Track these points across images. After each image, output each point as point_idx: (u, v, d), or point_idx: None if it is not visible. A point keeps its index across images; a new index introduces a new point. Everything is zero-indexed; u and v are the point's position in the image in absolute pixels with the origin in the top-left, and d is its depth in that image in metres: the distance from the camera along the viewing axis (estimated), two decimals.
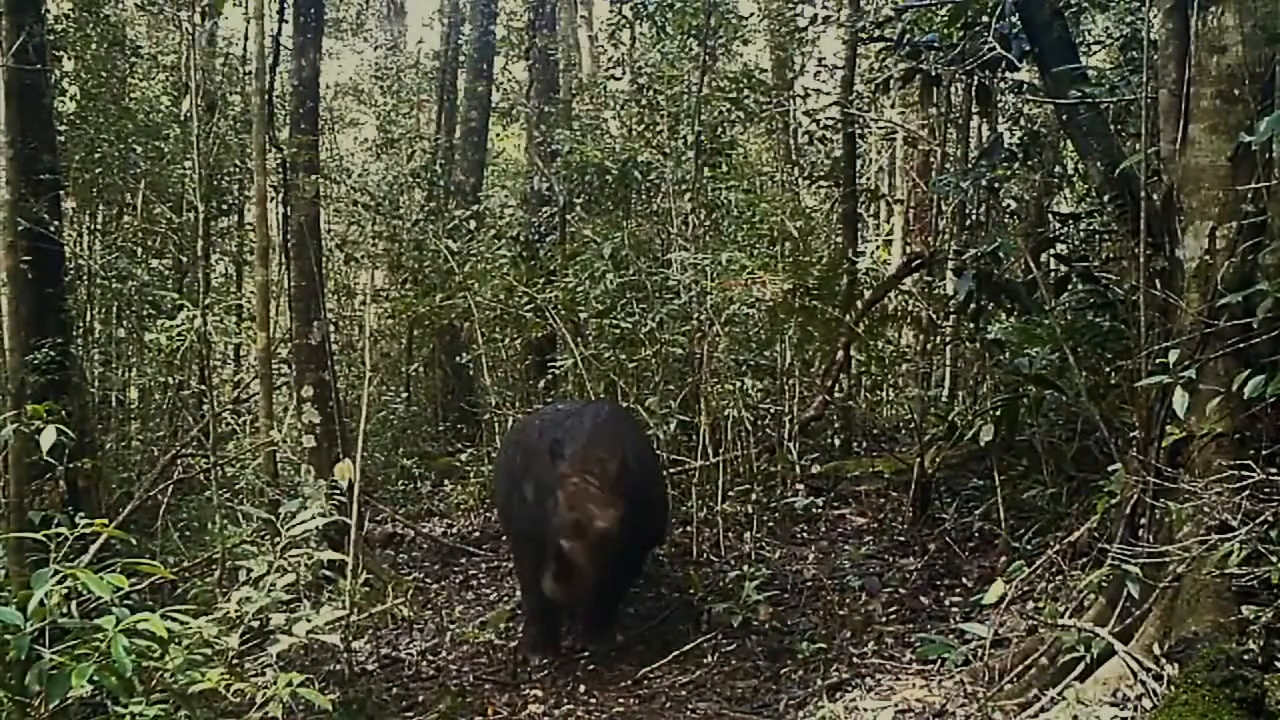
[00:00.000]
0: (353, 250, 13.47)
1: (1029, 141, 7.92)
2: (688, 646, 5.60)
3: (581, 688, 5.34)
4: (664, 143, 9.82)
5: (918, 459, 7.01)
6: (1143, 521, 4.39)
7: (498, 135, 16.11)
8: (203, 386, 8.34)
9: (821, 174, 10.83)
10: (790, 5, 11.05)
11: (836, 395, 8.37)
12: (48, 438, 4.12)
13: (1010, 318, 7.66)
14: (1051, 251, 7.33)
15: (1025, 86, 8.12)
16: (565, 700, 5.22)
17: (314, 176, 8.10)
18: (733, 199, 9.21)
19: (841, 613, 5.72)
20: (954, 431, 7.04)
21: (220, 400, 9.34)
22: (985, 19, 6.12)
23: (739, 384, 7.74)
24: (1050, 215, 8.86)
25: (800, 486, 7.71)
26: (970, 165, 8.03)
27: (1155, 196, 4.50)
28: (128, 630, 3.26)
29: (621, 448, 5.32)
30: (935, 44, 7.07)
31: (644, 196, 9.78)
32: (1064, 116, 5.38)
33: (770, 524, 7.21)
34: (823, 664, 5.09)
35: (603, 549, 5.01)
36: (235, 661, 4.04)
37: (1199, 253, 4.11)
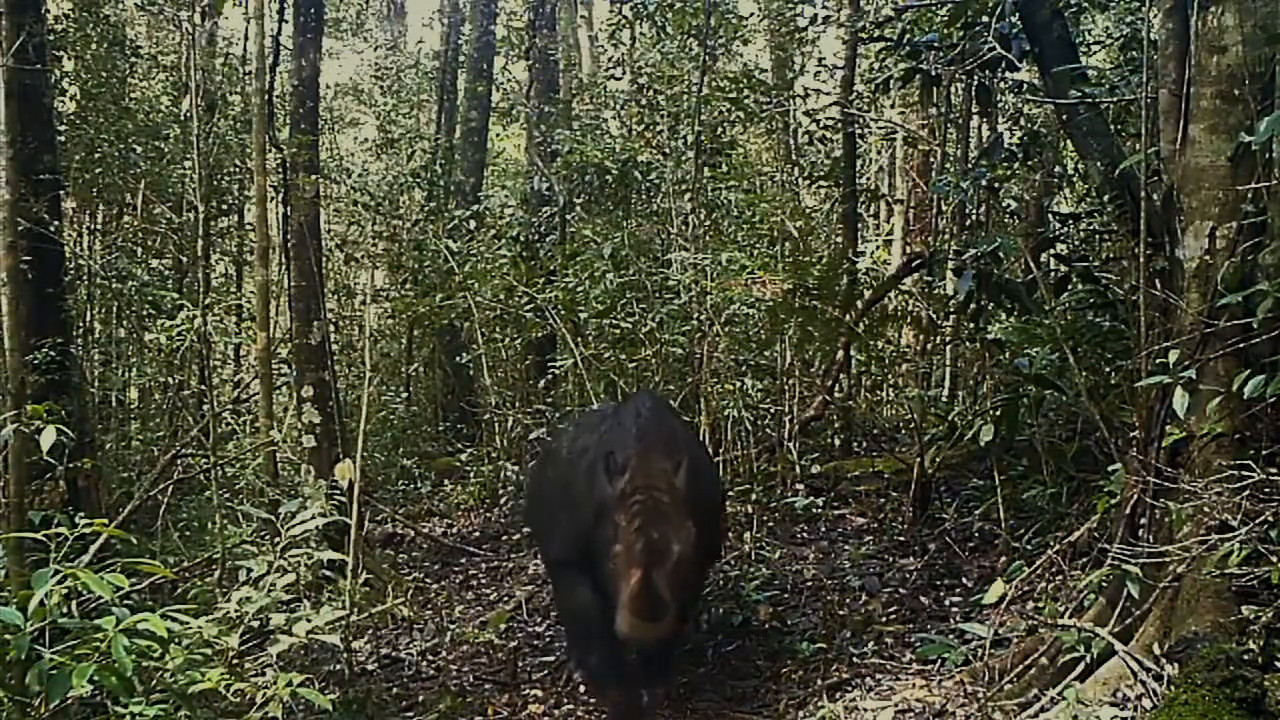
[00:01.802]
0: (353, 250, 13.50)
1: (1029, 141, 7.92)
2: (688, 646, 5.60)
3: (582, 688, 5.34)
4: (664, 143, 9.83)
5: (918, 459, 7.00)
6: (1143, 521, 4.39)
7: (498, 135, 16.13)
8: (203, 386, 8.35)
9: (821, 174, 10.83)
10: (790, 5, 11.05)
11: (836, 395, 8.36)
12: (48, 438, 4.12)
13: (1010, 318, 7.66)
14: (1051, 251, 7.33)
15: (1025, 86, 8.12)
16: (565, 700, 5.22)
17: (314, 176, 8.10)
18: (733, 199, 9.22)
19: (841, 613, 5.72)
20: (954, 431, 7.04)
21: (220, 400, 9.35)
22: (985, 19, 6.13)
23: (739, 384, 7.74)
24: (1050, 215, 8.86)
25: (800, 486, 7.71)
26: (970, 165, 8.04)
27: (1155, 196, 4.50)
28: (128, 630, 3.26)
29: (679, 450, 4.68)
30: (935, 44, 7.07)
31: (644, 196, 9.78)
32: (1064, 116, 5.38)
33: (770, 524, 7.21)
34: (823, 664, 5.09)
35: (681, 574, 4.35)
36: (235, 661, 4.04)
37: (1199, 253, 4.11)
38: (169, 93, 11.94)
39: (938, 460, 7.23)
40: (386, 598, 5.11)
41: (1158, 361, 4.18)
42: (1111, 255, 7.23)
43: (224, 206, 11.87)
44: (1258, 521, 3.65)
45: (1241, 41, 4.04)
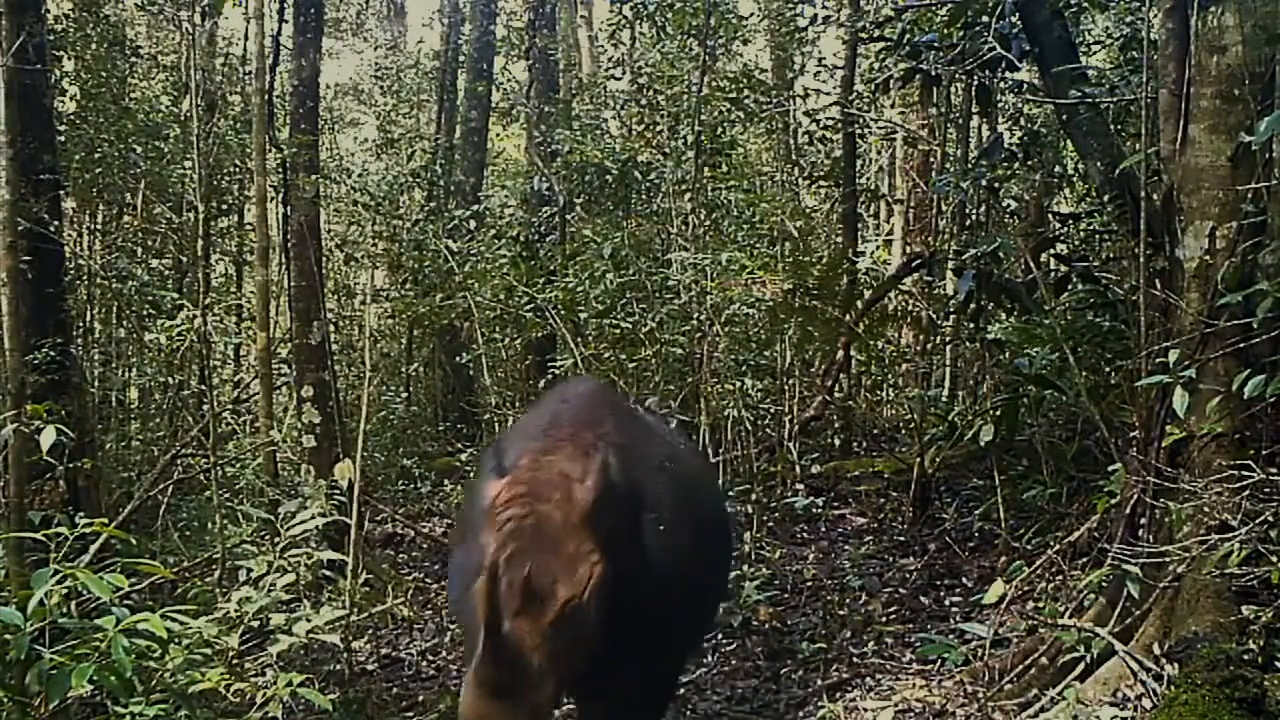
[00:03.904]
0: (353, 250, 13.50)
1: (1029, 141, 7.92)
2: None
3: None
4: (664, 143, 9.83)
5: (918, 459, 7.01)
6: (1143, 521, 4.39)
7: (498, 135, 16.13)
8: (203, 386, 8.34)
9: (821, 174, 10.84)
10: (790, 5, 11.06)
11: (836, 395, 8.37)
12: (48, 438, 4.12)
13: (1010, 318, 7.66)
14: (1051, 251, 7.34)
15: (1025, 86, 8.13)
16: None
17: (314, 176, 8.10)
18: (733, 199, 9.22)
19: (841, 613, 5.72)
20: (954, 431, 7.05)
21: (220, 400, 9.34)
22: (985, 19, 6.13)
23: (739, 384, 7.74)
24: (1050, 215, 8.87)
25: (800, 486, 7.72)
26: (970, 165, 8.04)
27: (1155, 196, 4.50)
28: (128, 630, 3.26)
29: (603, 445, 3.07)
30: (935, 44, 7.07)
31: (644, 196, 9.79)
32: (1064, 116, 5.38)
33: (770, 524, 7.21)
34: (823, 664, 5.09)
35: (572, 633, 2.73)
36: (235, 661, 4.04)
37: (1199, 253, 4.11)
38: (169, 93, 11.94)
39: (938, 460, 7.24)
40: (386, 598, 5.11)
41: (1158, 361, 4.18)
42: (1111, 255, 7.23)
43: (224, 206, 11.87)
44: (1258, 521, 3.65)
45: (1241, 41, 4.04)
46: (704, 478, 4.06)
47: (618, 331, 7.96)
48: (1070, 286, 6.80)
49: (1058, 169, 9.40)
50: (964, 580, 6.04)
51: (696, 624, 3.86)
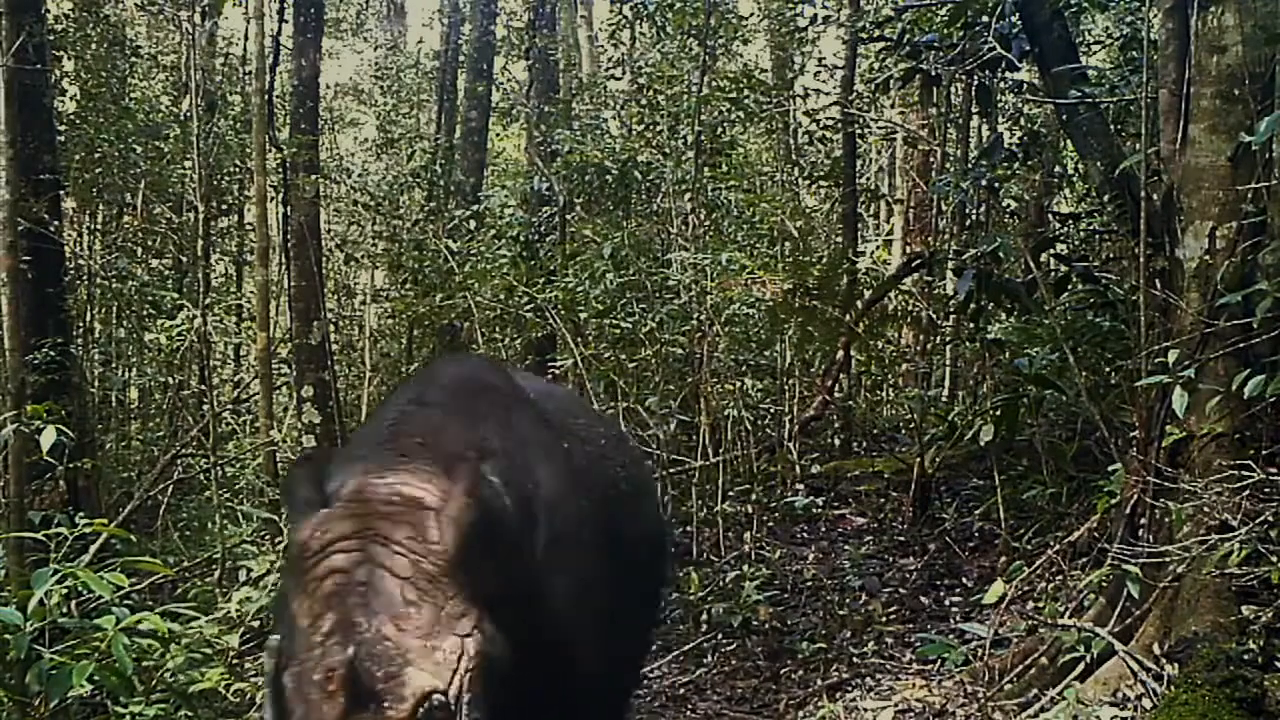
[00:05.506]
0: (353, 250, 13.49)
1: (1029, 141, 7.92)
2: (688, 646, 5.60)
3: None
4: (664, 143, 9.82)
5: (918, 459, 7.01)
6: (1143, 521, 4.39)
7: (498, 135, 16.12)
8: (203, 386, 8.35)
9: (821, 174, 10.84)
10: (790, 5, 11.06)
11: (836, 395, 8.36)
12: (48, 438, 4.12)
13: (1010, 318, 7.66)
14: (1051, 251, 7.33)
15: (1025, 86, 8.12)
16: None
17: (314, 176, 8.12)
18: (733, 199, 9.22)
19: (841, 613, 5.72)
20: (954, 431, 7.05)
21: (220, 400, 9.34)
22: (985, 19, 6.12)
23: (739, 384, 7.74)
24: (1050, 215, 8.87)
25: (800, 486, 7.71)
26: (970, 165, 8.04)
27: (1155, 196, 4.50)
28: (128, 630, 3.26)
29: (473, 453, 2.17)
30: (935, 44, 7.07)
31: (644, 196, 9.78)
32: (1064, 116, 5.38)
33: (770, 524, 7.20)
34: (823, 664, 5.09)
35: None
36: (235, 661, 4.04)
37: (1199, 253, 4.11)
38: (169, 93, 11.94)
39: (938, 460, 7.23)
40: None
41: (1158, 361, 4.18)
42: (1111, 255, 7.23)
43: (224, 206, 11.88)
44: (1258, 521, 3.66)
45: (1241, 41, 4.04)
46: (634, 488, 3.08)
47: (618, 331, 7.96)
48: (1070, 286, 6.80)
49: (1058, 169, 9.40)
50: (964, 580, 6.04)
51: (611, 695, 3.05)
